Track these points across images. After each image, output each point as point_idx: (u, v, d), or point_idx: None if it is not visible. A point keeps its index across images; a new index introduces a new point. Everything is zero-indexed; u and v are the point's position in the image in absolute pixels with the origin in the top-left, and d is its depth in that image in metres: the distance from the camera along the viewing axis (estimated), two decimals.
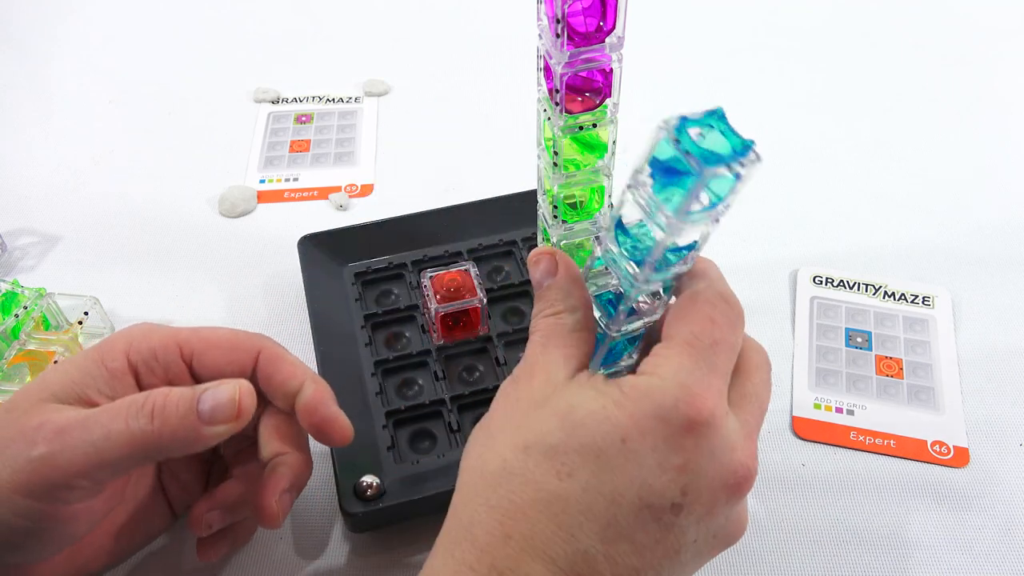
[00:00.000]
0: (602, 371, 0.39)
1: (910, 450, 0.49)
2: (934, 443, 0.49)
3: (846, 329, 0.55)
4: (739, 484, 0.31)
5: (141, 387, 0.38)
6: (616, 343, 0.39)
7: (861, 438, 0.50)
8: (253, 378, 0.39)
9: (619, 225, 0.35)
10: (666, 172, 0.33)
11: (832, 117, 0.72)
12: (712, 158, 0.32)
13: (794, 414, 0.51)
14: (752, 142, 0.34)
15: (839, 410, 0.51)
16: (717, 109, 0.35)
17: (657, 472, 0.30)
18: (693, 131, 0.33)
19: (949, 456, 0.49)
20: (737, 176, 0.33)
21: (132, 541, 0.41)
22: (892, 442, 0.49)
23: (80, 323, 0.53)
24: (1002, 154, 0.69)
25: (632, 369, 0.39)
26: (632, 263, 0.35)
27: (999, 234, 0.62)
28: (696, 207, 0.33)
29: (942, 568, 0.44)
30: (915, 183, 0.66)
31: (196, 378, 0.39)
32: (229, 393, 0.35)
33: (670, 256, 0.35)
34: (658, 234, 0.33)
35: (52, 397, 0.36)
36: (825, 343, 0.54)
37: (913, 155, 0.69)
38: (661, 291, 0.38)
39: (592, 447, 0.30)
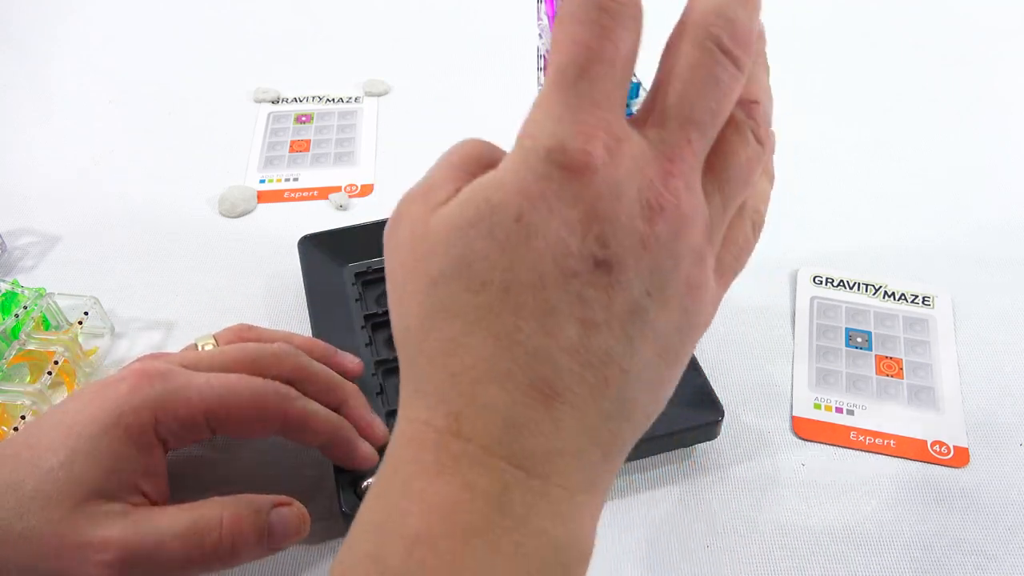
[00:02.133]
0: None
1: (910, 450, 0.49)
2: (934, 443, 0.49)
3: (846, 329, 0.55)
4: (657, 211, 0.26)
5: (166, 449, 0.39)
6: None
7: (861, 438, 0.50)
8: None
9: None
10: None
11: (832, 117, 0.72)
12: None
13: (794, 414, 0.51)
14: (639, 83, 0.36)
15: (839, 410, 0.51)
16: None
17: (564, 234, 0.26)
18: None
19: (949, 456, 0.49)
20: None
21: None
22: (892, 442, 0.49)
23: (80, 323, 0.53)
24: (1002, 154, 0.69)
25: None
26: None
27: (999, 234, 0.62)
28: None
29: (942, 568, 0.44)
30: (915, 183, 0.66)
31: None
32: (296, 519, 0.38)
33: None
34: None
35: (93, 494, 0.35)
36: (825, 343, 0.54)
37: (913, 155, 0.69)
38: None
39: (495, 243, 0.26)
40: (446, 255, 0.27)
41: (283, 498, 0.39)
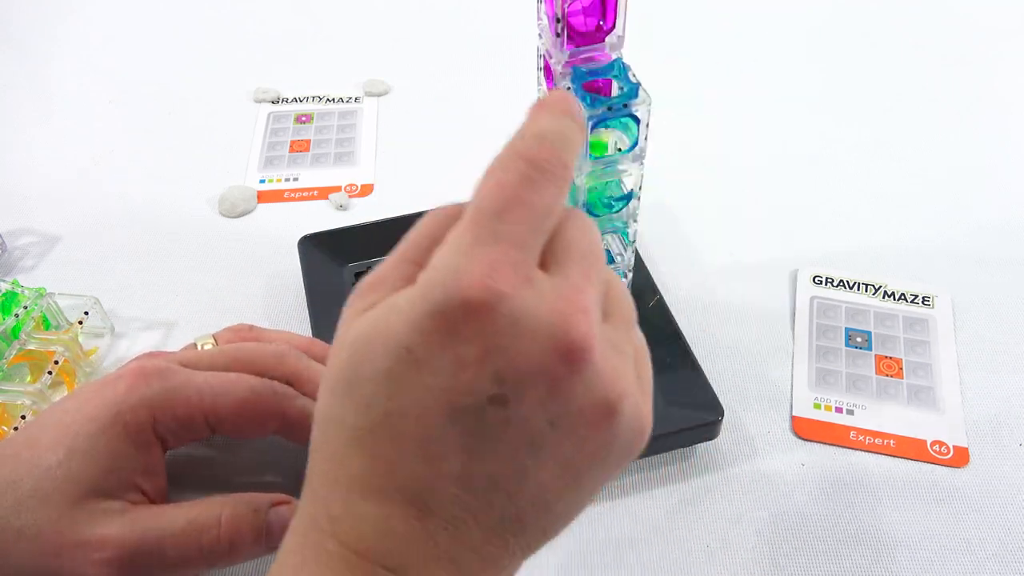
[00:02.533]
0: None
1: (910, 450, 0.49)
2: (934, 443, 0.49)
3: (846, 329, 0.55)
4: (568, 349, 0.26)
5: (165, 448, 0.38)
6: None
7: (861, 438, 0.50)
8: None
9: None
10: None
11: (832, 117, 0.72)
12: (598, 102, 0.38)
13: (794, 414, 0.51)
14: (639, 84, 0.39)
15: (839, 410, 0.51)
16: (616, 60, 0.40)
17: (456, 371, 0.25)
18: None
19: (949, 456, 0.49)
20: (634, 118, 0.38)
21: None
22: (892, 442, 0.49)
23: (80, 323, 0.53)
24: (1002, 154, 0.69)
25: None
26: None
27: (999, 234, 0.62)
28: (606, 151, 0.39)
29: (942, 568, 0.44)
30: (915, 183, 0.66)
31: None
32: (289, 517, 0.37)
33: (613, 203, 0.42)
34: (579, 180, 0.40)
35: (91, 492, 0.35)
36: (825, 343, 0.54)
37: (913, 155, 0.69)
38: (621, 244, 0.45)
39: (381, 370, 0.26)
40: (341, 370, 0.27)
41: (281, 496, 0.39)
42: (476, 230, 0.26)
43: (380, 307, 0.27)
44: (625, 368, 0.28)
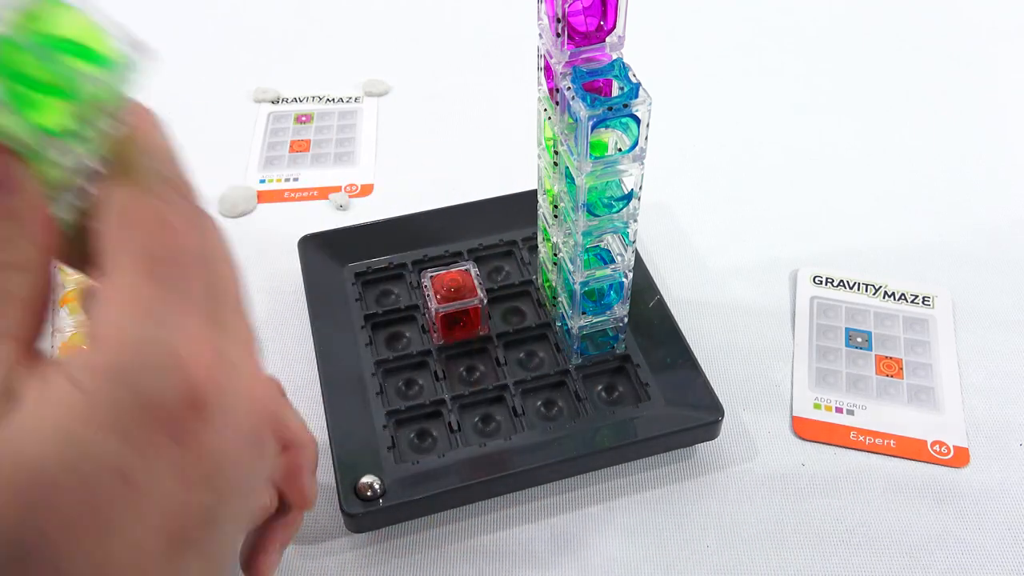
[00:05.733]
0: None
1: (910, 450, 0.49)
2: (934, 443, 0.49)
3: (846, 329, 0.55)
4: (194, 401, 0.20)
5: None
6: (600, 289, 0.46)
7: (861, 438, 0.50)
8: None
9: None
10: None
11: (832, 117, 0.72)
12: (598, 102, 0.38)
13: (794, 414, 0.51)
14: (639, 84, 0.39)
15: (839, 410, 0.51)
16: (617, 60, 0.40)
17: (178, 487, 0.20)
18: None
19: (949, 456, 0.49)
20: (635, 118, 0.39)
21: None
22: (892, 442, 0.49)
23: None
24: (1002, 154, 0.69)
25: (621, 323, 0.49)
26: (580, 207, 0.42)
27: (999, 234, 0.62)
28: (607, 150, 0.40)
29: (942, 568, 0.44)
30: (915, 183, 0.66)
31: None
32: None
33: (613, 203, 0.42)
34: (579, 180, 0.41)
35: None
36: (825, 343, 0.54)
37: (913, 155, 0.69)
38: (621, 244, 0.45)
39: (72, 517, 0.18)
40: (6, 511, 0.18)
41: None
42: (155, 291, 0.21)
43: (48, 402, 0.19)
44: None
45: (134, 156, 0.23)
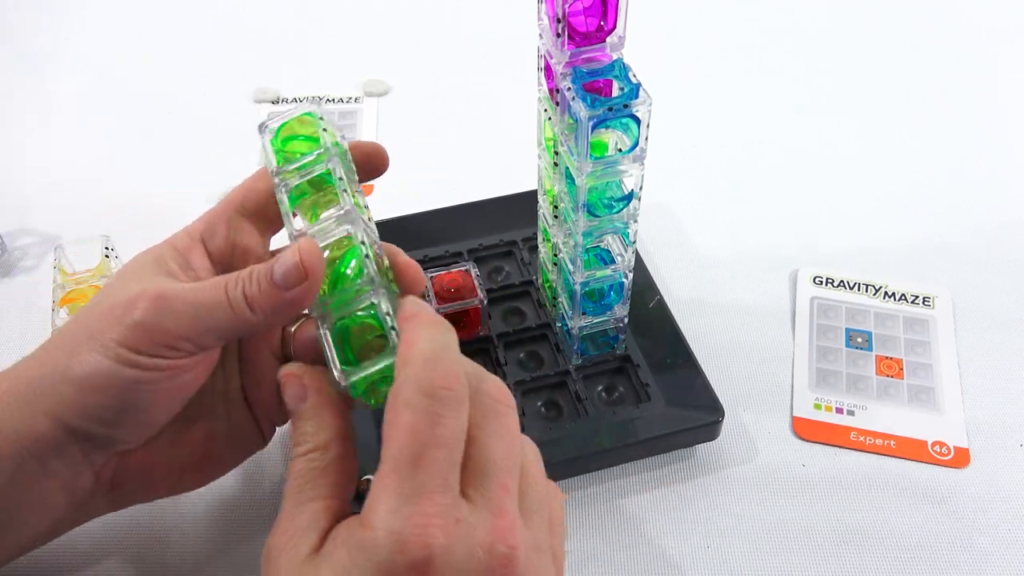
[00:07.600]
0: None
1: (910, 450, 0.49)
2: (934, 443, 0.49)
3: (846, 329, 0.55)
4: (497, 565, 0.29)
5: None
6: (598, 290, 0.47)
7: (861, 438, 0.50)
8: None
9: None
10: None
11: (832, 117, 0.72)
12: (598, 102, 0.38)
13: (794, 414, 0.51)
14: (639, 84, 0.39)
15: (839, 410, 0.51)
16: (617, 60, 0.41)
17: None
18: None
19: (949, 456, 0.49)
20: (635, 118, 0.39)
21: (224, 460, 0.41)
22: (892, 442, 0.49)
23: (107, 256, 0.53)
24: (1002, 154, 0.69)
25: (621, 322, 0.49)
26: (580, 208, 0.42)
27: (999, 234, 0.62)
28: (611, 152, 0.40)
29: (942, 568, 0.44)
30: (915, 183, 0.66)
31: None
32: (292, 259, 0.36)
33: (613, 203, 0.43)
34: (579, 181, 0.41)
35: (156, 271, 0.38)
36: (825, 343, 0.54)
37: (913, 155, 0.69)
38: (621, 244, 0.46)
39: None
40: None
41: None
42: (399, 483, 0.29)
43: (333, 569, 0.29)
44: (544, 564, 0.31)
45: (396, 368, 0.31)
